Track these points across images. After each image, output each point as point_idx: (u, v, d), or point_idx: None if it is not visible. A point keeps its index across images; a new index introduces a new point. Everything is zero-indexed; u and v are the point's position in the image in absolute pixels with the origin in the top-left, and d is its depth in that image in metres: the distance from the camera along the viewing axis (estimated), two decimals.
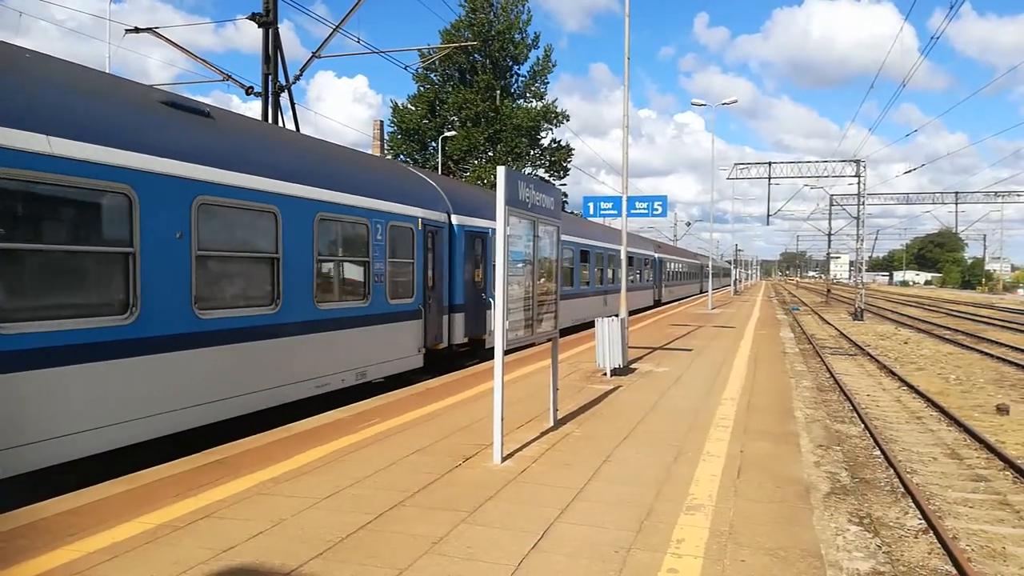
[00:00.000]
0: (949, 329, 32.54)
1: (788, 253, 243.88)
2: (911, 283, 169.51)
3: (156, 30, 16.63)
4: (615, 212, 16.42)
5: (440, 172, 43.69)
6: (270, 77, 16.59)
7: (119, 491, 5.97)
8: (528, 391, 11.08)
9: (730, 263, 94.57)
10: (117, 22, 38.84)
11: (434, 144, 49.00)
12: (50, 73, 7.08)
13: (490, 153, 49.19)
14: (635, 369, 14.05)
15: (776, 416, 9.80)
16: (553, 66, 50.63)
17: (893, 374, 17.87)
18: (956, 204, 54.67)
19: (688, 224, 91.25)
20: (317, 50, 18.01)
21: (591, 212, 16.94)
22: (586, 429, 8.71)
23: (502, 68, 50.08)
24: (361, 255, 11.11)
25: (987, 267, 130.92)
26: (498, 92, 47.94)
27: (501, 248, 6.99)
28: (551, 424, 8.76)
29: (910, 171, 52.81)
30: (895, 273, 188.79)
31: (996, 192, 55.28)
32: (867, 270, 53.21)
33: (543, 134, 51.07)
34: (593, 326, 13.32)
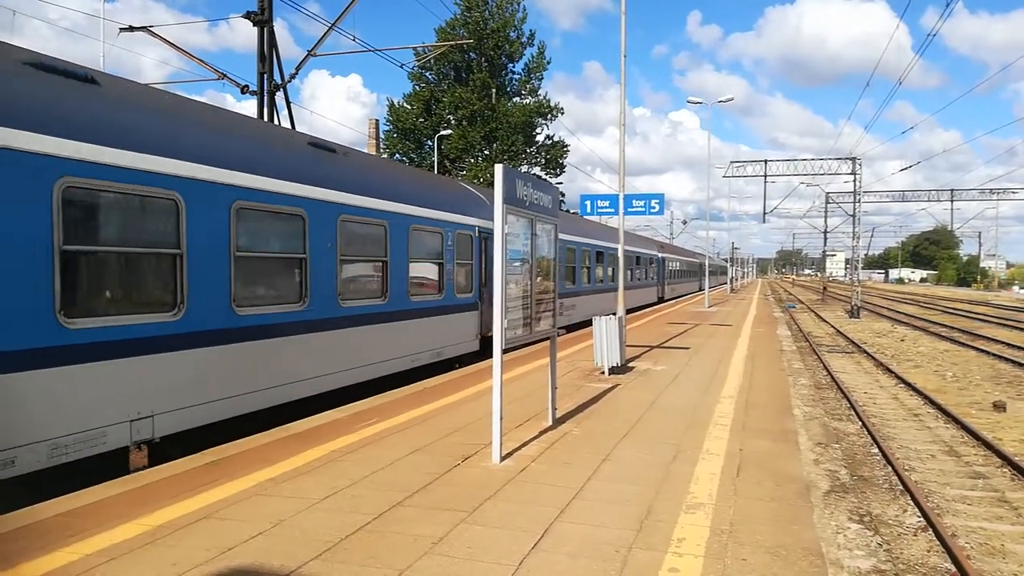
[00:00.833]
0: (945, 326, 32.61)
1: (784, 251, 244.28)
2: (907, 280, 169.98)
3: (151, 29, 16.56)
4: (612, 211, 16.41)
5: (436, 171, 43.65)
6: (265, 76, 16.54)
7: (117, 492, 5.94)
8: (526, 390, 11.06)
9: (727, 261, 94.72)
10: (112, 21, 38.65)
11: (430, 143, 48.96)
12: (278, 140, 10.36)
13: (486, 152, 49.16)
14: (633, 367, 14.04)
15: (774, 414, 9.79)
16: (548, 63, 50.74)
17: (890, 372, 17.89)
18: (952, 201, 54.81)
19: (684, 222, 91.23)
20: (313, 48, 17.95)
21: (588, 210, 16.91)
22: (585, 428, 8.70)
23: (497, 66, 50.05)
24: (438, 258, 13.55)
25: (982, 264, 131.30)
26: (493, 90, 47.91)
27: (499, 247, 6.97)
28: (550, 423, 8.75)
29: (905, 168, 53.12)
30: (891, 270, 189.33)
31: (991, 189, 55.38)
32: (863, 268, 53.36)
33: (538, 130, 51.10)
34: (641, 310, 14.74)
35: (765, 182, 44.02)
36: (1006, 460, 9.49)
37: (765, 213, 47.97)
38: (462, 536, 5.12)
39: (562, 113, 51.27)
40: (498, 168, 7.02)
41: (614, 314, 13.90)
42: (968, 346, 24.34)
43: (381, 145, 42.78)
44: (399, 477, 6.54)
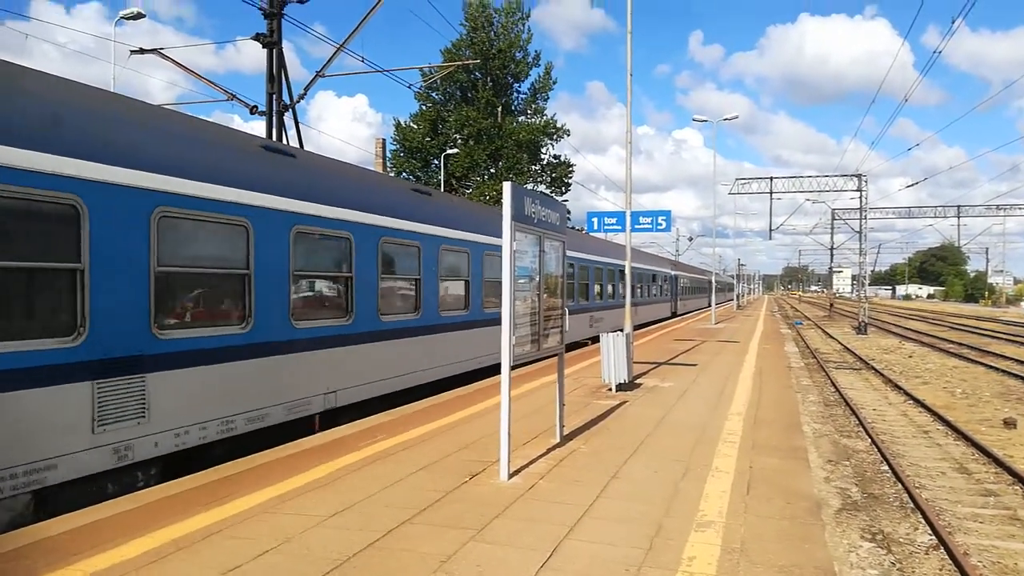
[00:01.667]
0: (953, 343, 32.44)
1: (790, 267, 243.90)
2: (914, 297, 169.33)
3: (161, 51, 16.74)
4: (620, 228, 16.42)
5: (443, 189, 43.82)
6: (274, 96, 16.67)
7: (124, 510, 5.93)
8: (534, 407, 11.03)
9: (733, 278, 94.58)
10: (122, 43, 39.17)
11: (436, 162, 49.17)
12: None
13: (492, 170, 49.35)
14: (640, 384, 13.99)
15: (784, 431, 9.74)
16: (554, 83, 50.92)
17: (899, 388, 17.78)
18: (958, 217, 54.63)
19: (690, 239, 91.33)
20: (321, 69, 18.11)
21: (595, 227, 16.93)
22: (593, 445, 8.66)
23: (503, 86, 50.32)
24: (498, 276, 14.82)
25: (990, 280, 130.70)
26: (499, 109, 48.15)
27: (507, 264, 6.97)
28: (558, 440, 8.71)
29: (911, 185, 52.99)
30: (898, 287, 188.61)
31: (998, 206, 55.27)
32: (870, 284, 53.17)
33: (544, 150, 51.27)
34: (639, 330, 15.99)
35: (771, 199, 44.10)
36: (1017, 478, 9.40)
37: (771, 230, 48.02)
38: (470, 554, 5.09)
39: (568, 135, 51.50)
40: (506, 186, 7.04)
41: (622, 330, 13.88)
42: (977, 362, 24.19)
43: (388, 164, 42.97)
44: (407, 494, 6.51)
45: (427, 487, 6.75)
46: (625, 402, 11.86)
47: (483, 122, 47.88)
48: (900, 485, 9.09)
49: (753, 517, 5.99)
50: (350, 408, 10.28)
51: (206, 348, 7.71)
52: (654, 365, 17.37)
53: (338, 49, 17.84)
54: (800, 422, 10.62)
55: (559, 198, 50.79)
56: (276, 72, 16.62)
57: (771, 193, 43.59)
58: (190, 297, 7.99)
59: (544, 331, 8.21)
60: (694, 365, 17.68)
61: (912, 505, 8.30)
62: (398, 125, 50.42)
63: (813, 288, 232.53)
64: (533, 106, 51.22)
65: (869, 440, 11.71)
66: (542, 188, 51.84)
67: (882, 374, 20.51)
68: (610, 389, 12.93)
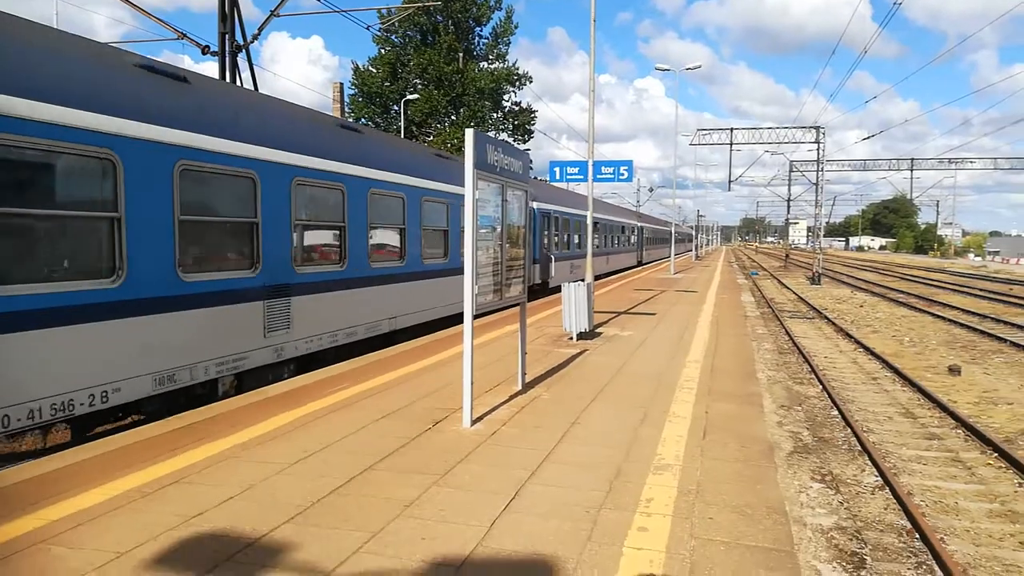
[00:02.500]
0: (903, 293, 33.37)
1: (748, 219, 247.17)
2: (866, 248, 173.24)
3: None
4: (582, 177, 16.39)
5: (403, 136, 43.12)
6: (227, 36, 16.09)
7: (84, 458, 5.87)
8: (496, 355, 11.11)
9: (692, 229, 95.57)
10: None
11: (396, 107, 48.26)
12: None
13: (453, 117, 48.64)
14: (601, 333, 14.16)
15: (739, 378, 9.98)
16: (516, 28, 50.07)
17: (850, 337, 18.29)
18: (911, 171, 55.66)
19: (651, 190, 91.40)
20: (276, 8, 17.47)
21: (557, 177, 16.87)
22: (554, 392, 8.78)
23: (464, 29, 49.29)
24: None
25: (939, 232, 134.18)
26: (461, 54, 47.26)
27: (469, 213, 6.93)
28: (520, 388, 8.81)
29: (867, 138, 53.72)
30: (851, 238, 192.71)
31: (949, 159, 56.39)
32: (824, 236, 54.26)
33: (506, 97, 50.64)
34: (615, 275, 17.90)
35: (731, 150, 44.26)
36: (960, 422, 9.81)
37: (730, 181, 48.29)
38: (434, 499, 5.16)
39: (530, 81, 50.91)
40: (468, 132, 6.95)
41: (615, 273, 14.13)
42: (925, 312, 24.96)
43: (346, 109, 42.02)
44: (370, 441, 6.55)
45: (391, 434, 6.79)
46: (586, 350, 12.01)
47: (445, 67, 46.98)
48: (849, 429, 9.42)
49: (709, 460, 6.17)
50: (405, 331, 12.94)
51: (322, 280, 10.33)
52: (614, 314, 17.57)
53: None
54: (755, 369, 10.89)
55: (522, 146, 50.42)
56: (228, 10, 16.01)
57: (731, 144, 43.77)
58: (314, 244, 10.51)
59: (507, 281, 8.22)
60: (653, 314, 17.94)
61: (860, 448, 8.61)
62: (356, 69, 49.22)
63: (770, 239, 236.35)
64: (495, 51, 50.37)
65: (821, 387, 12.07)
66: (504, 136, 51.35)
67: (834, 323, 21.05)
68: (571, 338, 13.07)
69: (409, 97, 47.15)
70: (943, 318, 22.74)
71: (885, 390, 12.25)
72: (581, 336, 13.15)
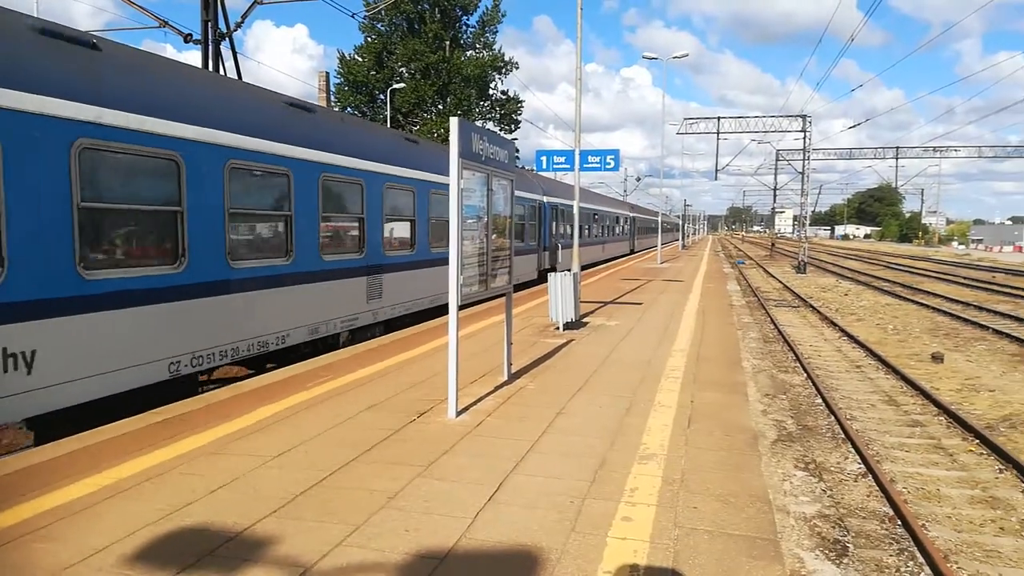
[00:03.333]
0: (887, 281, 33.62)
1: (734, 208, 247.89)
2: (852, 237, 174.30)
3: None
4: (568, 167, 16.36)
5: (389, 125, 42.87)
6: (210, 24, 15.91)
7: (68, 451, 5.81)
8: (482, 346, 11.09)
9: (679, 218, 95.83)
10: None
11: (382, 96, 47.96)
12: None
13: (439, 106, 48.40)
14: (587, 323, 14.18)
15: (724, 366, 10.02)
16: (503, 16, 49.82)
17: (834, 325, 18.42)
18: (896, 159, 55.96)
19: (638, 179, 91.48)
20: None
21: (544, 166, 16.83)
22: (540, 382, 8.78)
23: (451, 17, 49.00)
24: (532, 220, 23.85)
25: (924, 221, 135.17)
26: (447, 42, 46.98)
27: (455, 203, 6.89)
28: (505, 378, 8.80)
29: (853, 127, 54.01)
30: (836, 227, 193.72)
31: (934, 148, 56.71)
32: (810, 224, 54.46)
33: (493, 85, 50.45)
34: (606, 264, 20.40)
35: (718, 139, 44.35)
36: (942, 409, 9.90)
37: (717, 170, 48.40)
38: (418, 490, 5.15)
39: (516, 68, 50.73)
40: (453, 121, 6.90)
41: (609, 260, 14.19)
42: (908, 300, 25.16)
43: (332, 98, 41.70)
44: (354, 433, 6.53)
45: (375, 426, 6.77)
46: (572, 340, 12.02)
47: (431, 56, 46.70)
48: (833, 417, 9.49)
49: (693, 449, 6.19)
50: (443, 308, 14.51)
51: (401, 262, 13.08)
52: (601, 304, 17.59)
53: None
54: (740, 358, 10.93)
55: (509, 136, 50.29)
56: None
57: (718, 133, 43.82)
58: (395, 232, 13.18)
59: (492, 271, 8.20)
60: (639, 304, 17.97)
61: (843, 436, 8.68)
62: (342, 58, 48.88)
63: (756, 228, 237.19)
64: (482, 39, 50.13)
65: (805, 375, 12.15)
66: (491, 125, 51.18)
67: (819, 311, 21.19)
68: (557, 328, 13.07)
69: (395, 86, 46.87)
70: (927, 306, 22.93)
71: (869, 378, 12.35)
72: (568, 326, 13.15)
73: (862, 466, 7.59)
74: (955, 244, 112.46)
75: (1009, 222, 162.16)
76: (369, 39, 48.78)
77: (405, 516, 4.69)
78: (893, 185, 70.84)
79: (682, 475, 5.54)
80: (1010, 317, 19.93)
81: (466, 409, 7.39)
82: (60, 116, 6.47)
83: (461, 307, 7.18)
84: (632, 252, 53.55)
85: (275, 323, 9.58)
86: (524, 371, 9.40)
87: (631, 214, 54.71)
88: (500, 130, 50.97)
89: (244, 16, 17.49)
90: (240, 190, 8.87)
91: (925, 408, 10.25)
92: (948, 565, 5.36)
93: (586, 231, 33.84)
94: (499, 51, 50.00)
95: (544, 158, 16.80)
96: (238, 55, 16.37)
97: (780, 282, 33.27)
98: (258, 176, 9.33)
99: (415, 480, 5.34)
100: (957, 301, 24.28)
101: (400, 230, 13.60)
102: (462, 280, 7.11)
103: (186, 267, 7.92)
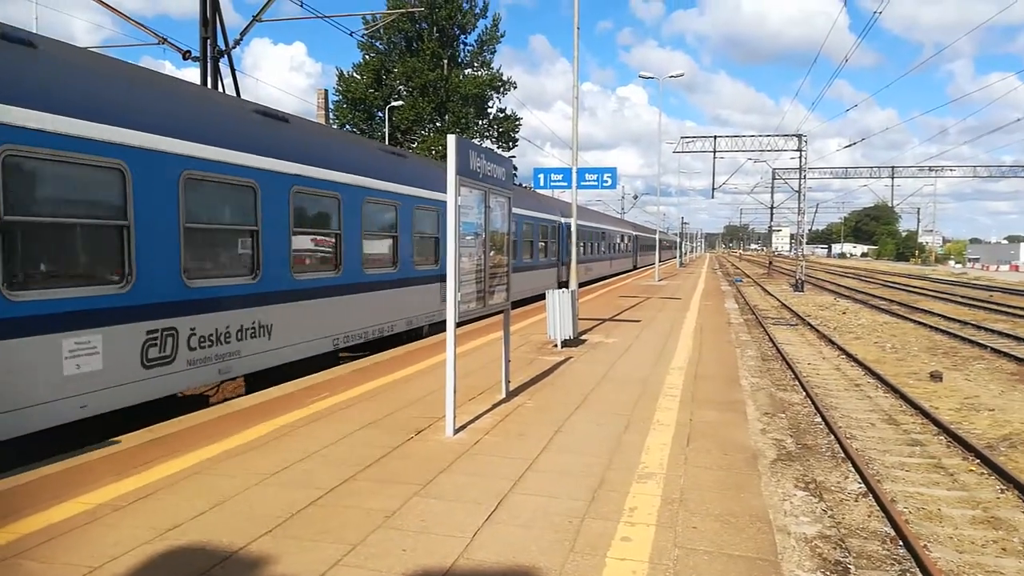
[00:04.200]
0: (885, 300, 33.63)
1: (731, 226, 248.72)
2: (848, 255, 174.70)
3: None
4: (566, 184, 16.40)
5: (387, 143, 43.02)
6: (208, 41, 15.98)
7: (54, 471, 5.74)
8: (480, 363, 11.04)
9: (676, 236, 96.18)
10: None
11: (381, 114, 48.16)
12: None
13: (437, 123, 48.60)
14: (585, 340, 14.14)
15: (723, 385, 9.97)
16: (501, 36, 50.19)
17: (832, 343, 18.38)
18: (892, 178, 56.21)
19: (635, 197, 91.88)
20: (259, 13, 17.40)
21: (542, 184, 16.88)
22: (538, 400, 8.72)
23: (449, 37, 49.34)
24: (554, 238, 27.51)
25: (920, 240, 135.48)
26: (445, 61, 47.27)
27: (452, 220, 6.87)
28: (503, 396, 8.75)
29: (848, 146, 54.34)
30: (833, 245, 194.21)
31: (929, 167, 56.96)
32: (807, 243, 54.47)
33: (490, 103, 50.70)
34: (607, 280, 22.48)
35: (714, 157, 44.53)
36: (942, 428, 9.85)
37: (713, 189, 48.57)
38: (415, 509, 5.09)
39: (515, 87, 51.02)
40: (451, 138, 6.90)
41: (615, 275, 14.24)
42: (906, 318, 25.15)
43: (330, 116, 41.87)
44: (351, 451, 6.46)
45: (371, 444, 6.71)
46: (570, 358, 11.98)
47: (429, 74, 46.97)
48: (832, 436, 9.43)
49: (692, 468, 6.14)
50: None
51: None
52: (599, 321, 17.56)
53: None
54: (739, 376, 10.89)
55: (506, 154, 50.48)
56: (211, 15, 15.91)
57: (715, 152, 44.03)
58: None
59: (490, 288, 8.17)
60: (638, 321, 17.94)
61: (843, 455, 8.62)
62: (341, 75, 49.17)
63: (753, 247, 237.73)
64: (480, 59, 50.46)
65: (804, 393, 12.10)
66: (488, 143, 51.39)
67: (817, 330, 21.16)
68: (556, 345, 13.03)
69: (394, 104, 47.09)
70: (925, 324, 22.91)
71: (868, 396, 12.30)
72: (566, 343, 13.11)
73: (863, 486, 7.53)
74: (952, 263, 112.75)
75: (1005, 241, 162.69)
76: (368, 57, 49.12)
77: (402, 535, 4.62)
78: (889, 204, 71.09)
79: (681, 494, 5.48)
80: (1008, 336, 19.91)
81: (464, 427, 7.33)
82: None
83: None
84: (635, 268, 57.51)
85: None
86: (522, 389, 9.34)
87: (634, 232, 59.43)
88: (498, 148, 51.20)
89: (243, 33, 17.58)
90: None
91: (925, 427, 10.19)
92: None
93: (596, 247, 38.02)
94: (497, 71, 50.34)
95: (542, 176, 16.85)
96: (237, 72, 16.43)
97: (778, 300, 33.27)
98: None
99: (412, 499, 5.28)
100: (955, 320, 24.27)
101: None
102: (459, 297, 7.08)
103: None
